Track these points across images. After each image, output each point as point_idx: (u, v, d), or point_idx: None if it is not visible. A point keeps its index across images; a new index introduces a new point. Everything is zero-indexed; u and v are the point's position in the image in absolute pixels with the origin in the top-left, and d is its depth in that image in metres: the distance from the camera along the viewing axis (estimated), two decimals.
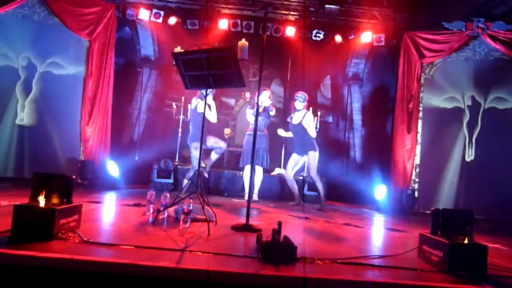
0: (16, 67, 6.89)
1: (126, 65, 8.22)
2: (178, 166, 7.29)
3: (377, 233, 4.69)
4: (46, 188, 2.74)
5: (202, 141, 4.20)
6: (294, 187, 6.39)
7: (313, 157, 6.05)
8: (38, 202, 2.65)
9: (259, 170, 6.29)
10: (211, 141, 6.35)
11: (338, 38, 7.81)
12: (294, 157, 6.27)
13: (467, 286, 2.36)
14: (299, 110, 6.11)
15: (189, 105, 6.65)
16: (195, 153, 6.13)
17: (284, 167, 8.15)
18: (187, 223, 3.45)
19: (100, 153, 6.88)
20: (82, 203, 3.11)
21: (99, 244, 2.63)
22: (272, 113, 6.30)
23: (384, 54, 8.04)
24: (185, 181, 6.22)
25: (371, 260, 2.81)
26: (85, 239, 2.67)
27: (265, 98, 6.19)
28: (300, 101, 6.09)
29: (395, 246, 3.52)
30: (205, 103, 4.24)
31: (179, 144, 7.62)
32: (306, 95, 6.22)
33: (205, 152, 6.40)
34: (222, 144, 6.42)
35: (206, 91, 4.17)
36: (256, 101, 4.27)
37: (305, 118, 6.04)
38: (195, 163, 6.18)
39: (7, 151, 6.81)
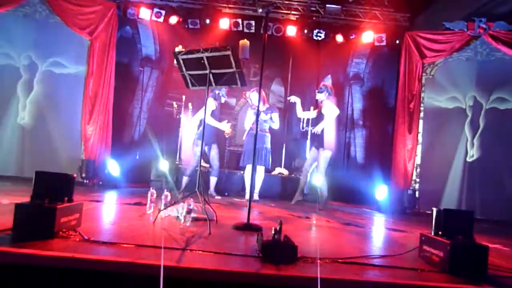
0: (17, 66, 6.91)
1: (127, 64, 8.23)
2: (179, 166, 7.29)
3: (378, 233, 4.68)
4: (47, 187, 2.74)
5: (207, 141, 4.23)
6: (305, 182, 6.39)
7: (325, 155, 6.03)
8: (39, 201, 2.65)
9: (260, 169, 6.29)
10: (213, 151, 6.31)
11: (339, 38, 7.80)
12: (313, 152, 6.25)
13: (467, 286, 2.35)
14: (322, 101, 6.15)
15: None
16: (196, 149, 6.14)
17: (285, 167, 8.17)
18: (188, 222, 3.45)
19: (101, 152, 6.90)
20: (83, 201, 3.11)
21: (100, 242, 2.63)
22: (275, 120, 6.31)
23: (385, 54, 8.04)
24: (184, 178, 6.23)
25: (371, 260, 2.81)
26: (86, 237, 2.67)
27: (254, 99, 6.27)
28: (319, 92, 6.16)
29: (396, 246, 3.51)
30: (206, 104, 4.21)
31: (180, 143, 7.62)
32: (327, 86, 6.23)
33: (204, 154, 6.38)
34: (216, 164, 6.36)
35: (207, 92, 4.15)
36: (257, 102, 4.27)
37: (324, 106, 6.06)
38: (194, 160, 6.20)
39: (9, 150, 6.83)
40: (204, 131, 6.07)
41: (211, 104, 6.20)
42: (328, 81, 9.19)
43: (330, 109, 6.07)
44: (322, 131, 6.05)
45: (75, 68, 7.06)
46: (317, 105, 6.36)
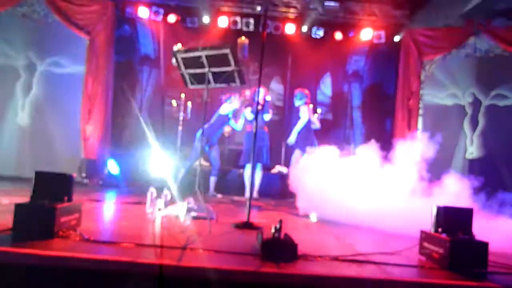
0: (16, 66, 6.90)
1: (126, 64, 8.20)
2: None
3: (378, 230, 4.68)
4: (47, 187, 2.74)
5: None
6: None
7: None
8: (39, 201, 2.65)
9: (258, 167, 6.31)
10: (215, 152, 6.32)
11: (338, 35, 7.79)
12: (298, 153, 6.27)
13: (468, 283, 2.36)
14: (299, 106, 6.24)
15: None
16: (197, 145, 6.15)
17: (285, 165, 8.15)
18: (188, 221, 3.45)
19: (100, 152, 6.89)
20: (83, 201, 3.12)
21: (100, 242, 2.63)
22: (268, 117, 6.34)
23: (384, 51, 8.03)
24: (182, 170, 6.22)
25: (372, 257, 2.81)
26: (85, 237, 2.67)
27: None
28: (296, 98, 6.32)
29: (396, 243, 3.51)
30: (205, 102, 4.20)
31: (180, 142, 7.60)
32: (302, 91, 6.31)
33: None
34: (218, 163, 6.38)
35: (206, 90, 4.15)
36: (256, 100, 4.26)
37: (301, 111, 6.20)
38: (192, 154, 6.22)
39: (8, 150, 6.83)
40: (208, 130, 6.15)
41: (235, 103, 6.30)
42: (327, 79, 9.18)
43: (306, 114, 6.21)
44: (309, 133, 6.12)
45: (74, 68, 7.05)
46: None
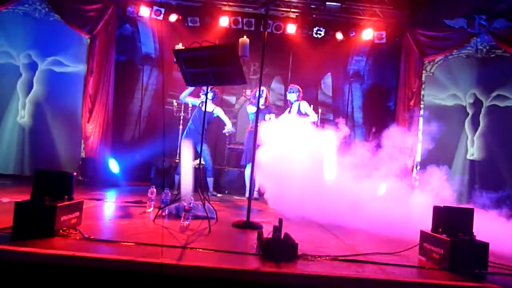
0: (17, 65, 6.90)
1: (127, 63, 8.21)
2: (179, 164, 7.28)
3: (379, 230, 4.68)
4: (47, 185, 2.74)
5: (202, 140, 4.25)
6: None
7: None
8: (39, 199, 2.65)
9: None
10: (205, 152, 6.32)
11: (339, 36, 7.79)
12: None
13: (468, 284, 2.36)
14: (294, 101, 6.25)
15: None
16: (184, 149, 6.18)
17: None
18: (188, 220, 3.45)
19: (101, 151, 6.90)
20: (83, 200, 3.11)
21: (100, 241, 2.63)
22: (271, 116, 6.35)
23: (385, 52, 8.03)
24: (177, 177, 6.23)
25: (371, 257, 2.81)
26: (86, 235, 2.67)
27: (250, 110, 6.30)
28: (289, 92, 6.32)
29: (396, 243, 3.51)
30: (206, 101, 4.21)
31: (180, 142, 7.61)
32: (294, 86, 6.35)
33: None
34: (209, 164, 6.38)
35: (207, 89, 4.16)
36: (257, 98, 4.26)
37: (301, 107, 6.19)
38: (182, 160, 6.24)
39: (8, 149, 6.84)
40: (192, 131, 6.16)
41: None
42: (328, 79, 9.19)
43: (310, 110, 6.20)
44: None
45: (75, 67, 7.05)
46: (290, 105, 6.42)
